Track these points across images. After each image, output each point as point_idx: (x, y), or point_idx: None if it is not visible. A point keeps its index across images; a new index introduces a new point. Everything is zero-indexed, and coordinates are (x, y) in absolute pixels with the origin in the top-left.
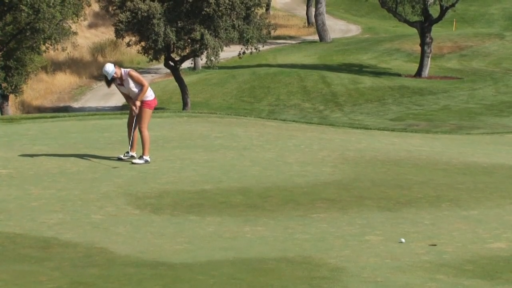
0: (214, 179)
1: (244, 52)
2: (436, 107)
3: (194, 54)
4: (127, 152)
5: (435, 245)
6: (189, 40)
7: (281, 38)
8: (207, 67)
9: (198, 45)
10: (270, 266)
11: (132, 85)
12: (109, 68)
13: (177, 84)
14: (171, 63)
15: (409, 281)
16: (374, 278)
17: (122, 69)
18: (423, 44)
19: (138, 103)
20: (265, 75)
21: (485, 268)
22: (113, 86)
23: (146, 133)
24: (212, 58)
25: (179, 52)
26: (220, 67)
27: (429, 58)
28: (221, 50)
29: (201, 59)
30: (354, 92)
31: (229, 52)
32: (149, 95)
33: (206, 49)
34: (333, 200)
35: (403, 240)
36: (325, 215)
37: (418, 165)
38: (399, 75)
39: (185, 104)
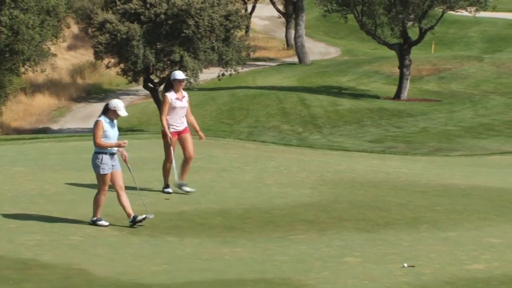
0: (193, 201)
1: (223, 74)
2: (414, 129)
3: None
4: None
5: (413, 266)
6: (168, 62)
7: (261, 60)
8: (186, 88)
9: (177, 67)
10: None
11: (185, 104)
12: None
13: (156, 106)
14: (150, 85)
15: None
16: None
17: None
18: (402, 66)
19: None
20: (244, 97)
21: None
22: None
23: None
24: (192, 80)
25: (158, 73)
26: (199, 89)
27: (408, 81)
28: (200, 72)
29: None
30: (333, 114)
31: (208, 74)
32: None
33: (186, 70)
34: (312, 221)
35: (405, 265)
36: (304, 236)
37: (397, 187)
38: (378, 97)
39: None
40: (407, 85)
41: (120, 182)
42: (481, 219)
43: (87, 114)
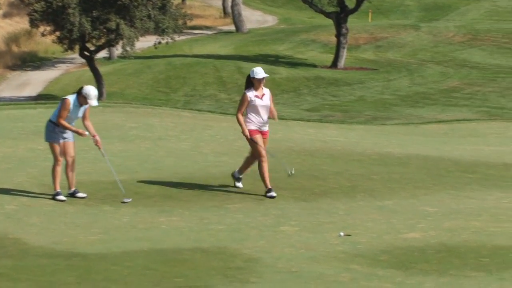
0: (129, 170)
1: (159, 42)
2: (351, 98)
3: (110, 44)
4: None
5: (349, 235)
6: (104, 30)
7: (197, 28)
8: (122, 57)
9: (113, 35)
10: (185, 257)
11: (267, 102)
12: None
13: (92, 74)
14: (86, 53)
15: (323, 271)
16: (289, 268)
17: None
18: (339, 35)
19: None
20: (181, 66)
21: (399, 258)
22: None
23: None
24: (128, 48)
25: (94, 41)
26: (136, 57)
27: (345, 49)
28: (137, 40)
29: (117, 49)
30: (270, 83)
31: (145, 42)
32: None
33: (122, 39)
34: (248, 190)
35: (341, 234)
36: (240, 205)
37: (333, 156)
38: (315, 66)
39: (100, 94)
40: (344, 53)
41: (71, 152)
42: (418, 187)
43: (22, 82)
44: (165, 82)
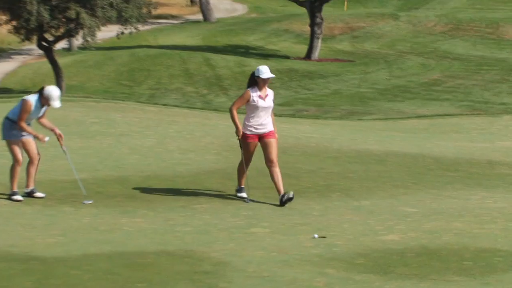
0: (89, 168)
1: (122, 32)
2: (326, 92)
3: (69, 34)
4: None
5: (324, 237)
6: (63, 19)
7: (163, 17)
8: (83, 48)
9: (73, 25)
10: (149, 260)
11: (270, 104)
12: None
13: (51, 66)
14: (45, 44)
15: (297, 276)
16: (260, 273)
17: None
18: (313, 24)
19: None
20: (145, 57)
21: (377, 261)
22: None
23: None
24: (89, 39)
25: (53, 31)
26: (97, 48)
27: (319, 40)
28: (98, 30)
29: (77, 40)
30: (240, 76)
31: (107, 32)
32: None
33: (82, 28)
34: (216, 190)
35: (316, 235)
36: (208, 206)
37: (307, 153)
38: (287, 57)
39: (59, 88)
40: (319, 44)
41: (33, 149)
42: (396, 186)
43: None
44: (128, 75)
